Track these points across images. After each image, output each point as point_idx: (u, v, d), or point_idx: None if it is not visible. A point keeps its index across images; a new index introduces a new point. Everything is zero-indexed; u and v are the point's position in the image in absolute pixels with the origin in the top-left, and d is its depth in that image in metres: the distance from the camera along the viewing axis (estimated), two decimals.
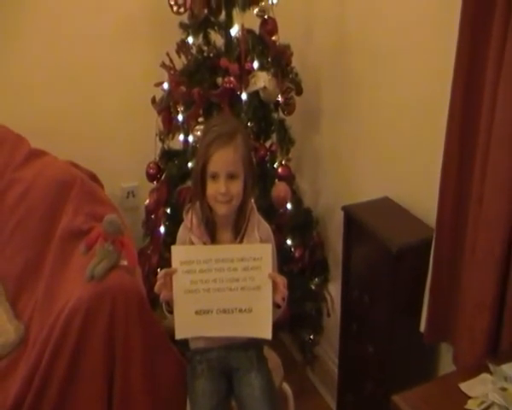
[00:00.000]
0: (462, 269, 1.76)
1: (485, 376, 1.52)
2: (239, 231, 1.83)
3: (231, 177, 1.74)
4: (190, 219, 1.84)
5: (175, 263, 1.72)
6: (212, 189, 1.75)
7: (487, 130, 1.59)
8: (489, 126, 1.58)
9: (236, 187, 1.75)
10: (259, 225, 1.86)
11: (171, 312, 1.76)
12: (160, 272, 1.73)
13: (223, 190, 1.72)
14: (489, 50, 1.57)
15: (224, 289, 1.72)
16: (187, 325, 1.76)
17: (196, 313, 1.74)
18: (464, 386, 1.50)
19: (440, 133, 1.77)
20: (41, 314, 2.12)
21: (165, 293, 1.72)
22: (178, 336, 1.77)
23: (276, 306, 1.75)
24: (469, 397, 1.47)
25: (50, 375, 1.90)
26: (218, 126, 1.80)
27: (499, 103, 1.54)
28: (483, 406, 1.44)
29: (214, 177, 1.74)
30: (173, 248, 1.74)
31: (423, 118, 2.03)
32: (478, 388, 1.48)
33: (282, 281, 1.72)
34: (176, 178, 2.47)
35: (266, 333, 1.74)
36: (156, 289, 1.71)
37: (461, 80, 1.67)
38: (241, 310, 1.74)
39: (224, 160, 1.73)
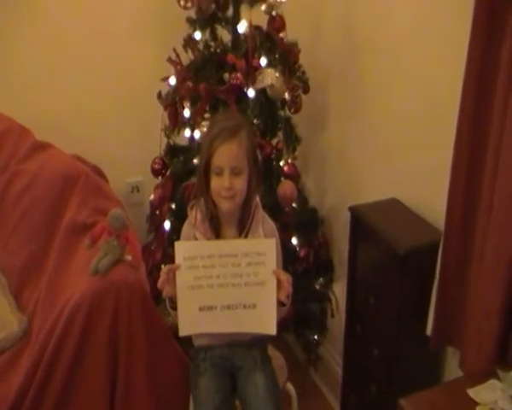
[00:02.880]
0: (469, 273, 1.74)
1: (493, 382, 1.51)
2: (243, 228, 1.82)
3: (235, 172, 1.73)
4: (195, 215, 1.83)
5: (178, 259, 1.70)
6: (216, 184, 1.74)
7: (498, 134, 1.58)
8: (500, 131, 1.57)
9: (240, 183, 1.74)
10: (264, 223, 1.85)
11: (175, 308, 1.74)
12: (164, 268, 1.72)
13: (227, 185, 1.71)
14: (502, 52, 1.55)
15: (228, 284, 1.71)
16: (190, 321, 1.75)
17: (200, 309, 1.73)
18: (472, 392, 1.49)
19: (450, 135, 1.75)
20: (44, 308, 2.11)
21: (168, 289, 1.70)
22: (182, 332, 1.76)
23: (280, 304, 1.73)
24: (477, 403, 1.45)
25: (53, 369, 1.89)
26: (222, 121, 1.80)
27: (510, 109, 1.51)
28: None
29: (218, 172, 1.73)
30: (177, 243, 1.73)
31: (433, 119, 2.00)
32: (486, 394, 1.47)
33: (286, 278, 1.70)
34: (181, 174, 2.46)
35: (271, 329, 1.73)
36: (159, 284, 1.70)
37: (472, 82, 1.65)
38: (245, 306, 1.73)
39: (228, 154, 1.72)
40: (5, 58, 2.67)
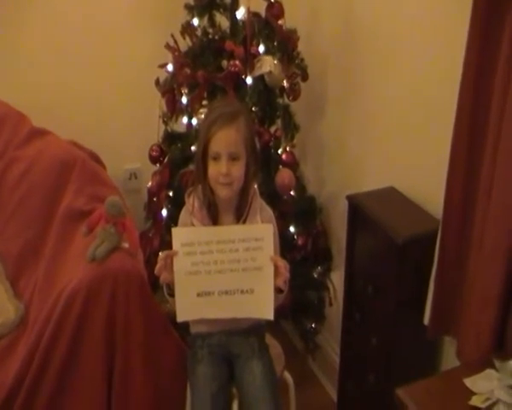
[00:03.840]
0: (468, 262, 1.73)
1: (489, 372, 1.51)
2: (241, 216, 1.81)
3: (233, 158, 1.72)
4: (192, 202, 1.82)
5: (176, 245, 1.70)
6: (214, 170, 1.73)
7: (497, 121, 1.56)
8: (499, 117, 1.55)
9: (238, 169, 1.73)
10: (262, 210, 1.85)
11: (172, 295, 1.74)
12: (161, 254, 1.71)
13: (224, 171, 1.70)
14: (500, 43, 1.54)
15: (226, 270, 1.71)
16: (188, 307, 1.74)
17: (198, 295, 1.72)
18: (469, 381, 1.49)
19: (449, 123, 1.74)
20: (41, 295, 2.11)
21: (166, 275, 1.70)
22: (180, 318, 1.76)
23: (277, 290, 1.73)
24: (474, 393, 1.45)
25: (50, 356, 1.89)
26: (220, 107, 1.79)
27: (510, 95, 1.50)
28: (488, 403, 1.42)
29: (216, 158, 1.72)
30: (174, 230, 1.72)
31: (431, 107, 1.99)
32: (482, 384, 1.47)
33: (283, 264, 1.70)
34: (179, 161, 2.45)
35: (268, 313, 1.73)
36: (156, 271, 1.69)
37: (471, 70, 1.64)
38: (242, 291, 1.72)
39: (225, 140, 1.71)
40: (2, 44, 2.65)
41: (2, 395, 1.91)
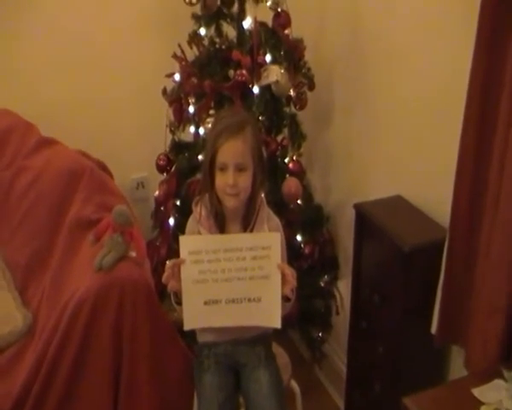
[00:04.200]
0: (475, 271, 1.72)
1: (498, 382, 1.50)
2: (248, 225, 1.81)
3: (240, 169, 1.72)
4: (199, 211, 1.82)
5: (183, 253, 1.70)
6: (221, 181, 1.73)
7: (504, 129, 1.56)
8: (506, 126, 1.55)
9: (245, 180, 1.73)
10: (269, 219, 1.85)
11: (180, 303, 1.74)
12: (168, 263, 1.71)
13: (231, 182, 1.70)
14: (509, 46, 1.53)
15: (233, 278, 1.71)
16: (195, 315, 1.74)
17: (205, 303, 1.72)
18: (477, 391, 1.48)
19: (456, 131, 1.74)
20: (49, 303, 2.11)
21: (173, 283, 1.70)
22: (187, 326, 1.75)
23: (285, 299, 1.73)
24: (482, 403, 1.44)
25: (57, 365, 1.89)
26: (227, 118, 1.79)
27: None
28: None
29: (223, 168, 1.72)
30: (181, 238, 1.72)
31: (438, 116, 1.99)
32: (491, 394, 1.46)
33: (291, 272, 1.70)
34: (186, 171, 2.46)
35: (276, 322, 1.72)
36: (164, 279, 1.70)
37: (478, 78, 1.63)
38: (249, 299, 1.72)
39: (232, 151, 1.71)
40: (10, 54, 2.67)
41: (9, 403, 1.91)
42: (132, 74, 2.86)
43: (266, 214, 1.84)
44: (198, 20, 2.38)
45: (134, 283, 1.92)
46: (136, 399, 1.95)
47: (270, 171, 2.23)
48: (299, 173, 2.44)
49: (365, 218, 2.12)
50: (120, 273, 1.92)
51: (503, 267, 1.59)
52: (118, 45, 2.81)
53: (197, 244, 1.71)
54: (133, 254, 1.99)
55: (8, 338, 2.12)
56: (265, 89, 2.30)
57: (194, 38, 2.39)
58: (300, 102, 2.42)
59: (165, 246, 2.50)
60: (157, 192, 2.55)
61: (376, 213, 2.09)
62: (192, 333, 1.90)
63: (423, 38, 2.03)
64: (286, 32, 2.35)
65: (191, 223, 1.85)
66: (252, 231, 1.80)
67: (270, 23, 2.38)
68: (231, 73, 2.32)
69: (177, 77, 2.41)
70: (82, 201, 2.25)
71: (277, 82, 2.27)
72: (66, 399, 1.90)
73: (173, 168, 2.51)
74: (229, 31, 2.40)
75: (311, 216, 2.54)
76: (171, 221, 2.48)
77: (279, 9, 2.34)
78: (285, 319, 1.77)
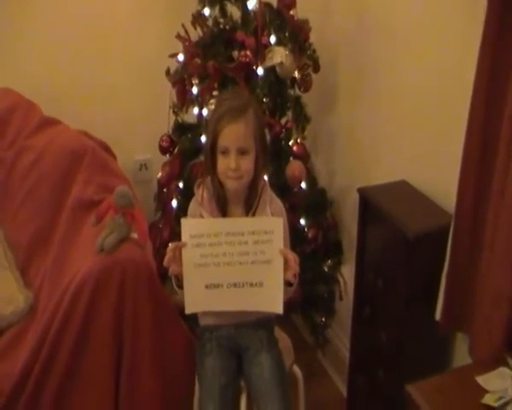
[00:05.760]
0: (480, 258, 1.71)
1: (503, 370, 1.49)
2: (250, 208, 1.80)
3: (242, 152, 1.70)
4: (201, 194, 1.80)
5: (185, 236, 1.68)
6: (223, 164, 1.71)
7: (511, 119, 1.53)
8: None
9: (247, 163, 1.71)
10: (272, 202, 1.83)
11: (181, 286, 1.73)
12: (170, 246, 1.69)
13: (233, 166, 1.69)
14: None
15: (235, 262, 1.69)
16: (197, 299, 1.73)
17: (206, 287, 1.71)
18: (481, 379, 1.47)
19: (462, 117, 1.71)
20: (50, 284, 2.11)
21: (175, 267, 1.69)
22: (188, 310, 1.74)
23: (287, 284, 1.72)
24: (486, 391, 1.43)
25: (58, 346, 1.89)
26: (229, 100, 1.76)
27: None
28: (501, 401, 1.40)
29: (224, 152, 1.70)
30: (183, 220, 1.71)
31: (444, 100, 1.96)
32: (495, 382, 1.45)
33: (293, 257, 1.68)
34: (189, 152, 2.44)
35: (277, 307, 1.71)
36: (165, 262, 1.68)
37: (486, 64, 1.60)
38: (251, 284, 1.71)
39: (234, 134, 1.69)
40: (13, 34, 2.65)
41: (11, 384, 1.91)
42: (136, 55, 2.84)
43: (269, 198, 1.83)
44: (202, 0, 2.35)
45: (135, 264, 1.91)
46: (138, 381, 1.95)
47: (273, 154, 2.21)
48: (303, 156, 2.42)
49: (369, 202, 2.10)
50: (122, 255, 1.91)
51: (508, 255, 1.57)
52: (121, 26, 2.79)
53: (199, 228, 1.70)
54: (135, 235, 1.98)
55: (10, 318, 2.13)
56: (270, 70, 2.27)
57: (198, 18, 2.36)
58: (305, 84, 2.39)
59: (168, 228, 2.48)
60: (160, 174, 2.53)
61: (381, 198, 2.06)
62: (194, 316, 1.89)
63: (430, 21, 1.99)
64: (291, 12, 2.32)
65: (193, 206, 1.84)
66: (254, 214, 1.79)
67: (274, 4, 2.35)
68: (235, 54, 2.30)
69: (180, 57, 2.38)
70: (84, 181, 2.24)
71: (282, 64, 2.25)
72: (68, 380, 1.90)
73: (176, 150, 2.49)
74: (234, 11, 2.37)
75: (314, 200, 2.52)
76: (174, 203, 2.47)
77: None
78: (288, 304, 1.76)
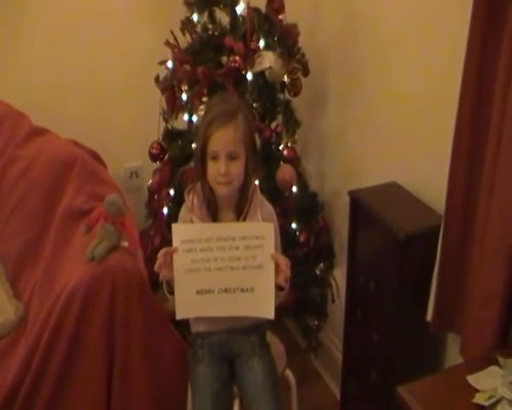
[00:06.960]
0: (471, 258, 1.71)
1: (493, 369, 1.48)
2: (241, 213, 1.80)
3: (232, 157, 1.70)
4: (192, 200, 1.80)
5: (176, 242, 1.68)
6: (213, 169, 1.71)
7: (500, 114, 1.54)
8: (502, 111, 1.53)
9: (237, 168, 1.71)
10: (262, 207, 1.83)
11: (172, 292, 1.73)
12: (161, 251, 1.69)
13: (223, 171, 1.69)
14: (503, 33, 1.51)
15: (226, 268, 1.69)
16: (188, 304, 1.73)
17: (197, 292, 1.71)
18: (472, 379, 1.46)
19: (451, 118, 1.71)
20: (41, 295, 2.10)
21: (166, 272, 1.68)
22: (179, 315, 1.74)
23: (278, 288, 1.71)
24: (477, 390, 1.43)
25: (49, 356, 1.88)
26: (218, 105, 1.76)
27: None
28: (492, 400, 1.39)
29: (214, 157, 1.70)
30: (174, 226, 1.71)
31: (433, 102, 1.97)
32: (486, 381, 1.44)
33: (284, 262, 1.68)
34: (179, 159, 2.43)
35: (269, 313, 1.71)
36: (156, 268, 1.68)
37: (473, 63, 1.61)
38: (242, 289, 1.71)
39: (224, 139, 1.69)
40: (1, 43, 2.63)
41: (1, 396, 1.89)
42: (125, 62, 2.83)
43: (260, 202, 1.82)
44: (191, 6, 2.35)
45: (126, 273, 1.91)
46: (130, 390, 1.94)
47: (264, 158, 2.21)
48: (294, 160, 2.41)
49: (360, 205, 2.10)
50: (112, 263, 1.90)
51: (498, 254, 1.57)
52: (110, 32, 2.78)
53: (190, 233, 1.70)
54: (125, 244, 1.97)
55: (0, 331, 2.11)
56: (259, 75, 2.27)
57: (187, 24, 2.36)
58: (294, 88, 2.39)
59: (159, 235, 2.47)
60: (150, 181, 2.52)
61: (371, 200, 2.07)
62: (186, 323, 1.89)
63: (418, 23, 2.00)
64: (280, 17, 2.32)
65: (183, 211, 1.84)
66: (245, 219, 1.78)
67: (263, 8, 2.35)
68: (224, 59, 2.29)
69: (169, 64, 2.37)
70: (74, 190, 2.23)
71: (271, 68, 2.25)
72: (59, 390, 1.89)
73: (166, 157, 2.48)
74: (222, 17, 2.37)
75: (305, 204, 2.52)
76: (165, 210, 2.46)
77: None
78: (280, 308, 1.76)
